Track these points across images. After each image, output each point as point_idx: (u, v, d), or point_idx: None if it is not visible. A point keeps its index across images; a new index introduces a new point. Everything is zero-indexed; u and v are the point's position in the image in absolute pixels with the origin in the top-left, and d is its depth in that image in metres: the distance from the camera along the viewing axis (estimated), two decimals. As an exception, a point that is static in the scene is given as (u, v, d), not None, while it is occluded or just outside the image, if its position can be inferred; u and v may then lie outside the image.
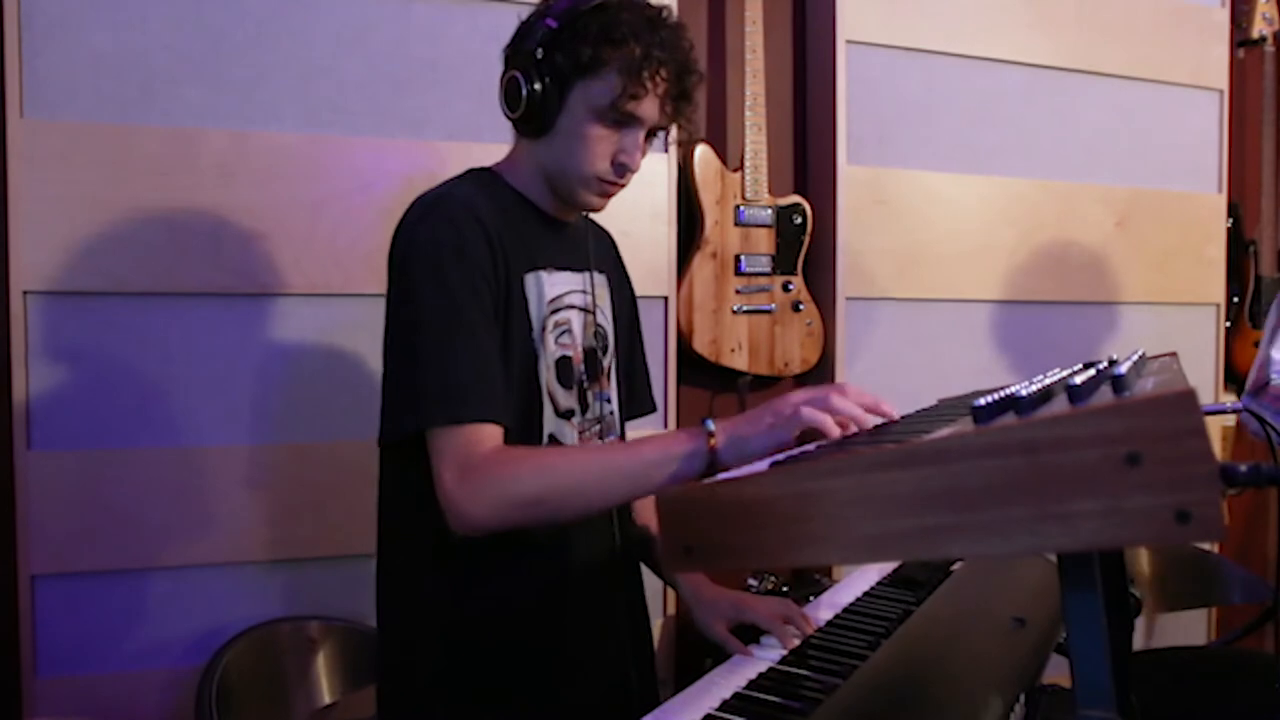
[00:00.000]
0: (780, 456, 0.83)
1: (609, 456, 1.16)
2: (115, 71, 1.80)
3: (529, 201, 1.31)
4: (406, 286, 1.18)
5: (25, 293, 1.75)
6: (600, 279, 1.40)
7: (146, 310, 1.82)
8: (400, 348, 1.19)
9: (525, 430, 1.24)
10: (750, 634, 1.37)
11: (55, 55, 1.76)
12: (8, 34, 1.72)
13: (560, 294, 1.30)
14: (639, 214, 2.15)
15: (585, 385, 1.33)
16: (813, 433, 1.03)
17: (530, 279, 1.26)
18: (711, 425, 1.06)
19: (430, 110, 1.99)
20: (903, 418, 1.07)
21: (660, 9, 1.26)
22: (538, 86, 1.21)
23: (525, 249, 1.26)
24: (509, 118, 1.27)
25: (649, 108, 1.23)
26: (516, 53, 1.25)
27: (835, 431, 1.01)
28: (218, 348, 1.86)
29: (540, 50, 1.21)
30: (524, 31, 1.26)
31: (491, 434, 1.14)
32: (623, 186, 1.29)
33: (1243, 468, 0.57)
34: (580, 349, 1.32)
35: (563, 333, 1.30)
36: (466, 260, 1.17)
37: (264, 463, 1.88)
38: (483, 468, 1.11)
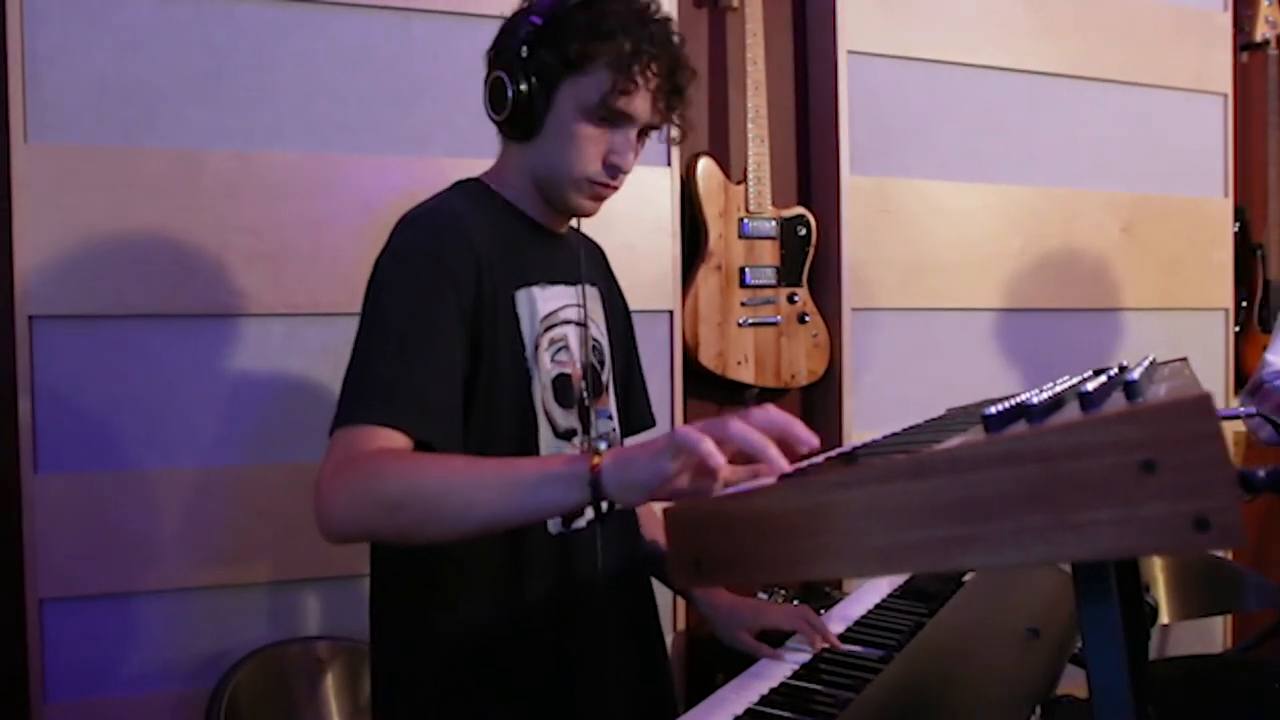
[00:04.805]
0: (789, 469, 0.81)
1: (485, 470, 1.00)
2: (118, 94, 1.80)
3: (520, 212, 1.28)
4: (372, 292, 1.16)
5: (30, 317, 1.75)
6: (592, 292, 1.36)
7: (151, 332, 1.82)
8: (352, 351, 1.15)
9: (520, 454, 1.19)
10: (773, 640, 1.37)
11: (58, 79, 1.77)
12: (11, 59, 1.73)
13: (554, 309, 1.27)
14: (642, 227, 2.15)
15: (587, 403, 1.29)
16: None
17: (522, 295, 1.23)
18: (604, 446, 0.99)
19: (433, 127, 1.99)
20: (912, 428, 1.06)
21: (649, 2, 1.22)
22: (524, 86, 1.18)
23: (516, 264, 1.23)
24: (495, 120, 1.23)
25: (640, 104, 1.19)
26: (500, 52, 1.22)
27: (718, 459, 0.82)
28: (223, 368, 1.86)
29: (525, 48, 1.17)
30: (508, 30, 1.22)
31: (387, 438, 1.03)
32: (615, 189, 1.25)
33: (1261, 472, 0.56)
34: (579, 365, 1.29)
35: (559, 349, 1.26)
36: (441, 269, 1.13)
37: (270, 483, 1.88)
38: (354, 464, 1.00)
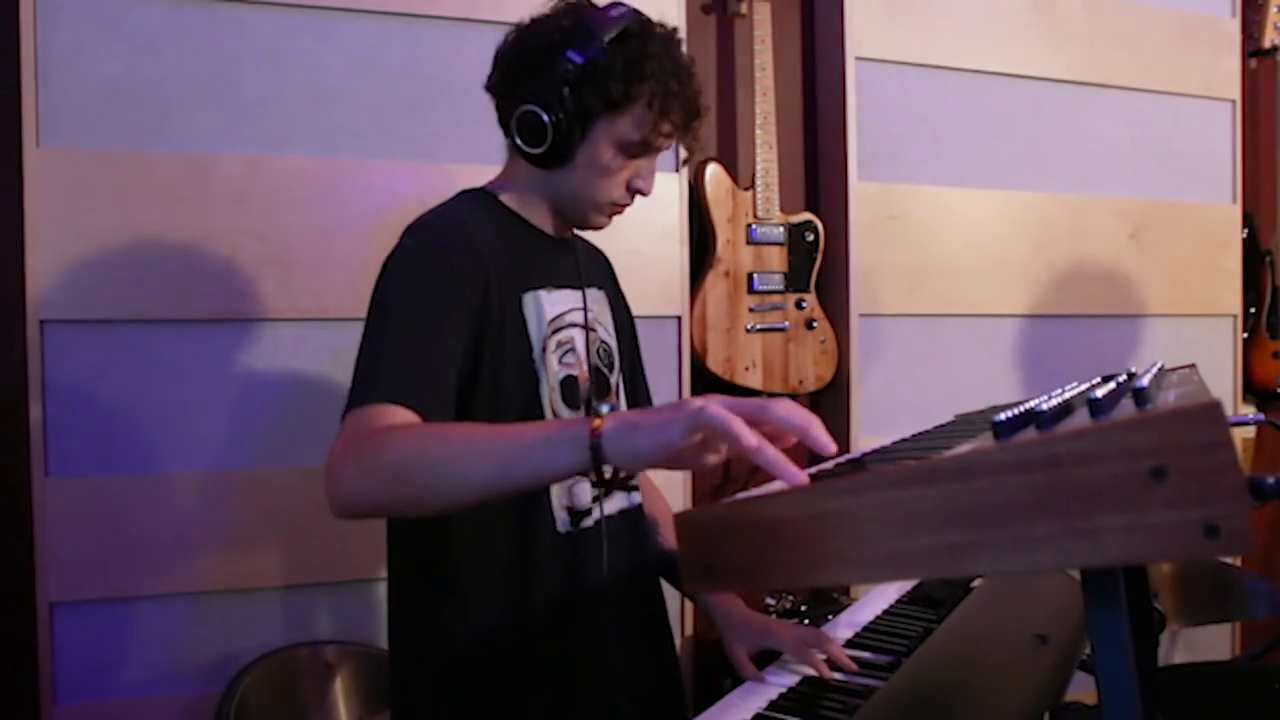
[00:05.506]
0: (803, 480, 0.81)
1: (484, 436, 0.98)
2: (129, 99, 1.81)
3: (525, 221, 1.31)
4: (381, 286, 1.17)
5: (42, 321, 1.75)
6: (599, 295, 1.39)
7: (162, 336, 1.83)
8: (360, 342, 1.15)
9: None
10: (774, 655, 1.36)
11: (69, 84, 1.78)
12: (24, 64, 1.74)
13: (561, 312, 1.29)
14: (651, 233, 2.15)
15: (593, 404, 1.31)
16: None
17: (529, 299, 1.25)
18: (605, 409, 0.96)
19: (442, 132, 2.00)
20: (921, 434, 1.06)
21: (670, 30, 1.27)
22: (562, 121, 1.20)
23: (522, 269, 1.25)
24: (525, 151, 1.24)
25: (669, 138, 1.25)
26: (529, 82, 1.22)
27: (750, 440, 0.78)
28: (232, 373, 1.87)
29: (567, 88, 1.19)
30: (540, 58, 1.22)
31: (395, 415, 1.04)
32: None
33: (1270, 479, 0.56)
34: (585, 367, 1.31)
35: (566, 352, 1.28)
36: (450, 268, 1.16)
37: (278, 487, 1.88)
38: (364, 438, 1.01)
